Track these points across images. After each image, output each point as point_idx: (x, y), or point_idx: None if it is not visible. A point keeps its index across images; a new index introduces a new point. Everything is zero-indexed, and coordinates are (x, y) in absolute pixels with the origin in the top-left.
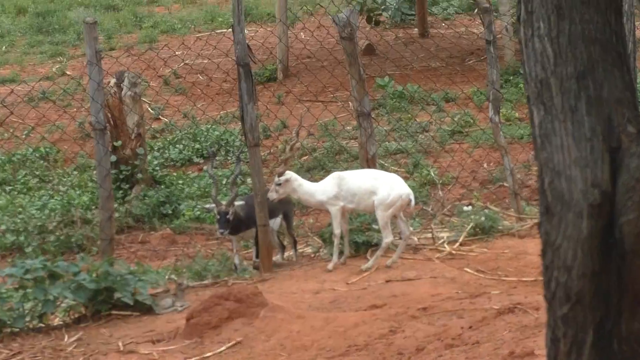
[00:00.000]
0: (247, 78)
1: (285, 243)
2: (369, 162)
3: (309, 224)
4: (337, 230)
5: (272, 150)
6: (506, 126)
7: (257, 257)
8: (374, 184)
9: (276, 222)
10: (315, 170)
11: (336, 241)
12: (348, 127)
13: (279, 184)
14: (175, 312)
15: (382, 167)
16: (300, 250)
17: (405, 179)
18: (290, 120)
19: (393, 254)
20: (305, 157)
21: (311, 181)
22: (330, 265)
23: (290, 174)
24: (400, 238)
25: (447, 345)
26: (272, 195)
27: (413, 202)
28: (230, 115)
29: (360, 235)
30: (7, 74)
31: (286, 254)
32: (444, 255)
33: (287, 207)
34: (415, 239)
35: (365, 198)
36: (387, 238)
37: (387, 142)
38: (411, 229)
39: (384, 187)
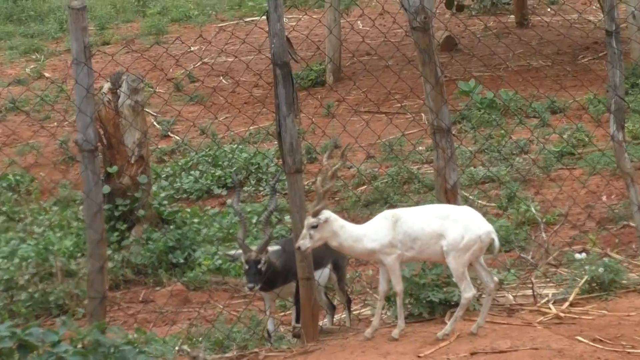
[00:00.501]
0: (287, 82)
1: (335, 302)
2: (448, 194)
3: (367, 277)
4: (399, 286)
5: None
6: (633, 146)
7: (297, 321)
8: (442, 224)
9: (324, 275)
10: (377, 206)
11: (399, 300)
12: (420, 148)
13: (315, 227)
14: None
15: (465, 201)
16: (355, 312)
17: (497, 216)
18: (344, 138)
19: (477, 315)
20: (362, 188)
21: (354, 222)
22: (395, 332)
23: (329, 214)
24: (483, 293)
25: None
26: (305, 244)
27: (497, 243)
28: (264, 131)
29: (437, 293)
30: None
31: (337, 317)
32: (548, 319)
33: (337, 255)
34: (510, 296)
35: (432, 243)
36: (467, 293)
37: (472, 168)
38: (496, 278)
39: (456, 226)
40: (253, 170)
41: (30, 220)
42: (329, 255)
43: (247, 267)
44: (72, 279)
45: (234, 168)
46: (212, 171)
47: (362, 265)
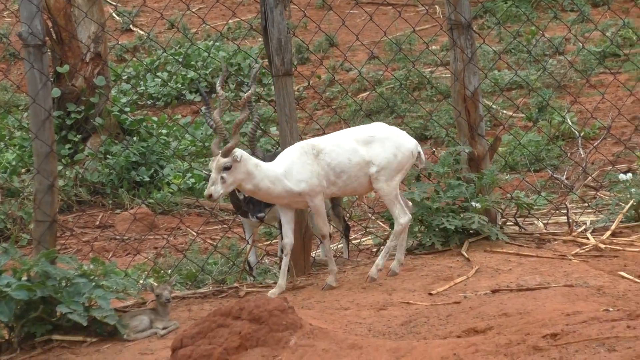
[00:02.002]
0: None
1: (331, 230)
2: (467, 103)
3: (369, 200)
4: (326, 228)
5: (310, 83)
6: None
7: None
8: (369, 150)
9: None
10: (381, 116)
11: (327, 243)
12: (434, 47)
13: (228, 168)
14: (155, 338)
15: (488, 111)
16: (355, 242)
17: (525, 129)
18: (341, 36)
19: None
20: (364, 94)
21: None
22: (330, 279)
23: (241, 152)
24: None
25: None
26: (217, 190)
27: (423, 156)
28: (246, 26)
29: (452, 219)
30: None
31: (333, 246)
32: (586, 252)
33: None
34: (540, 224)
35: (360, 175)
36: (402, 218)
37: (496, 71)
38: (410, 204)
39: (385, 146)
40: (232, 73)
41: None
42: None
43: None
44: (14, 199)
45: (210, 69)
46: (183, 73)
47: None
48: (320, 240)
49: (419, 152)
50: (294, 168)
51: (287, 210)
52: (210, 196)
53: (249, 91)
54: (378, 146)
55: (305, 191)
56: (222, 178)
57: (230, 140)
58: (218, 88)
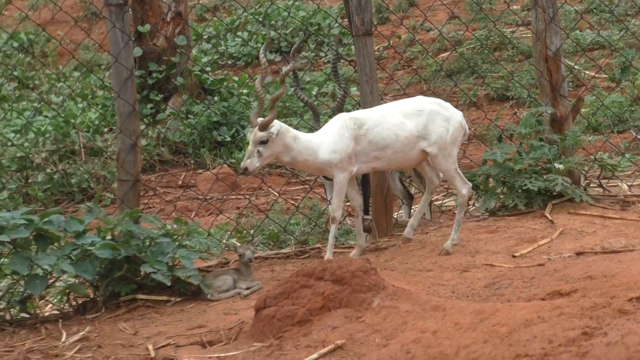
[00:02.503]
0: None
1: (413, 191)
2: (549, 63)
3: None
4: (339, 211)
5: (390, 43)
6: None
7: (366, 212)
8: (417, 124)
9: None
10: (461, 76)
11: (333, 228)
12: (515, 6)
13: (264, 142)
14: (239, 298)
15: (569, 72)
16: (437, 203)
17: (608, 90)
18: None
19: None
20: (444, 54)
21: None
22: (328, 254)
23: (279, 125)
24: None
25: None
26: (253, 163)
27: (467, 128)
28: None
29: (535, 180)
30: None
31: (414, 207)
32: None
33: None
34: (625, 186)
35: (407, 150)
36: (464, 189)
37: (578, 31)
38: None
39: (436, 121)
40: (312, 32)
41: (46, 87)
42: None
43: None
44: (97, 159)
45: (290, 29)
46: (264, 32)
47: None
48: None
49: (464, 123)
50: (330, 139)
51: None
52: (245, 169)
53: (288, 67)
54: (428, 121)
55: (333, 162)
56: (258, 151)
57: (269, 113)
58: (261, 56)
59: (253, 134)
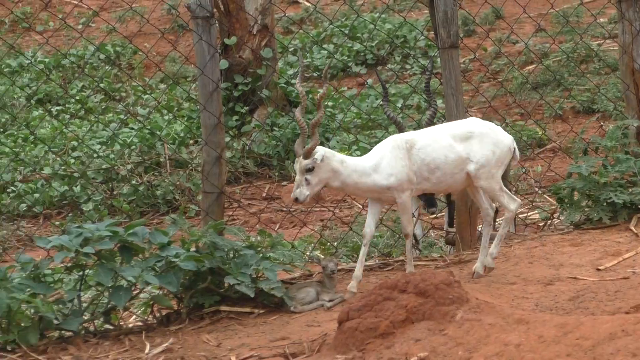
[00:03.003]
0: None
1: (496, 205)
2: (636, 76)
3: (535, 174)
4: (410, 227)
5: (476, 55)
6: None
7: (450, 225)
8: (466, 147)
9: None
10: (548, 88)
11: (408, 243)
12: (602, 19)
13: (311, 169)
14: (322, 311)
15: None
16: (521, 216)
17: None
18: (508, 8)
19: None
20: (530, 67)
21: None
22: (409, 268)
23: (324, 150)
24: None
25: None
26: (303, 193)
27: (518, 153)
28: None
29: (620, 194)
30: None
31: (499, 220)
32: None
33: None
34: None
35: (455, 172)
36: (512, 204)
37: None
38: (495, 205)
39: (484, 143)
40: (399, 45)
41: (133, 99)
42: None
43: None
44: (183, 170)
45: (375, 42)
46: (349, 45)
47: (530, 160)
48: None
49: (514, 148)
50: (384, 161)
51: (375, 203)
52: (296, 200)
53: (322, 91)
54: (476, 143)
55: (393, 185)
56: (306, 180)
57: (310, 140)
58: (297, 85)
59: (298, 163)
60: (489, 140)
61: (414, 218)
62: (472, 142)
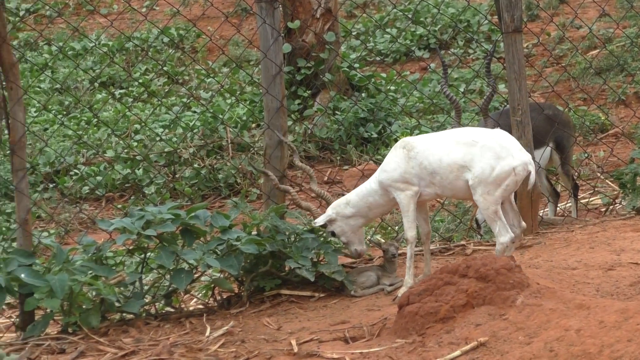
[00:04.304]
0: None
1: (559, 189)
2: None
3: (597, 159)
4: (410, 232)
5: (540, 40)
6: None
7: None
8: (466, 153)
9: (544, 155)
10: (611, 73)
11: (409, 250)
12: None
13: (334, 235)
14: (382, 295)
15: None
16: (583, 201)
17: None
18: None
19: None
20: (594, 52)
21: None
22: (399, 292)
23: (328, 215)
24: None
25: None
26: (352, 248)
27: (533, 178)
28: None
29: None
30: None
31: (560, 205)
32: None
33: (561, 132)
34: None
35: (452, 177)
36: (503, 237)
37: None
38: (524, 223)
39: (485, 155)
40: (461, 29)
41: (196, 83)
42: (550, 131)
43: None
44: (245, 154)
45: (439, 26)
46: (412, 29)
47: (592, 146)
48: (573, 192)
49: (529, 171)
50: (385, 161)
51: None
52: (358, 256)
53: (316, 189)
54: (477, 153)
55: (384, 182)
56: (332, 234)
57: (324, 217)
58: (297, 162)
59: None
60: (491, 154)
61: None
62: (474, 151)
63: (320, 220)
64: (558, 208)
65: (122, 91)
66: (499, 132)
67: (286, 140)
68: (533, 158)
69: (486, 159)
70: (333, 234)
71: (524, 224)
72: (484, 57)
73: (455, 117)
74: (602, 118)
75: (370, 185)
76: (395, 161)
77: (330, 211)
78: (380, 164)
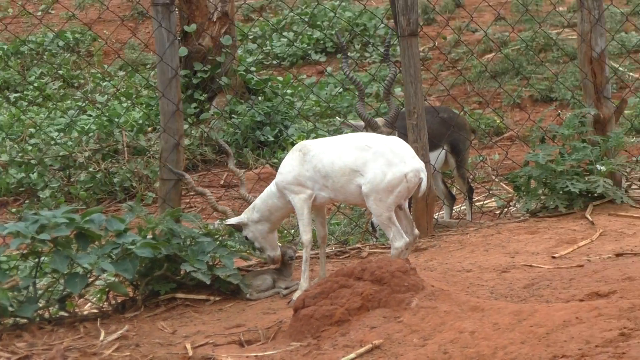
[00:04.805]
0: None
1: (454, 192)
2: (594, 65)
3: (492, 162)
4: (305, 236)
5: (436, 44)
6: None
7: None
8: (357, 158)
9: (439, 158)
10: (507, 76)
11: (305, 253)
12: (561, 8)
13: (247, 238)
14: (278, 298)
15: (614, 73)
16: (478, 204)
17: None
18: None
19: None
20: (489, 55)
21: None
22: (294, 296)
23: (236, 219)
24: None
25: None
26: (266, 254)
27: (424, 186)
28: None
29: (577, 182)
30: None
31: (456, 208)
32: None
33: (456, 135)
34: None
35: (344, 181)
36: (398, 242)
37: (623, 33)
38: (417, 231)
39: (377, 161)
40: (358, 32)
41: (91, 86)
42: (446, 134)
43: None
44: (141, 158)
45: (335, 30)
46: (309, 33)
47: (487, 149)
48: (468, 195)
49: (420, 179)
50: (281, 164)
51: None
52: (272, 260)
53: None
54: (370, 158)
55: (280, 184)
56: (255, 246)
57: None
58: (231, 166)
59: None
60: (384, 160)
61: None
62: (366, 156)
63: (231, 220)
64: (453, 211)
65: (16, 95)
66: (393, 139)
67: (223, 142)
68: (428, 162)
69: (378, 165)
70: (247, 238)
71: (417, 231)
72: (381, 60)
73: (359, 99)
74: (497, 121)
75: (270, 188)
76: (290, 164)
77: (243, 216)
78: (276, 167)
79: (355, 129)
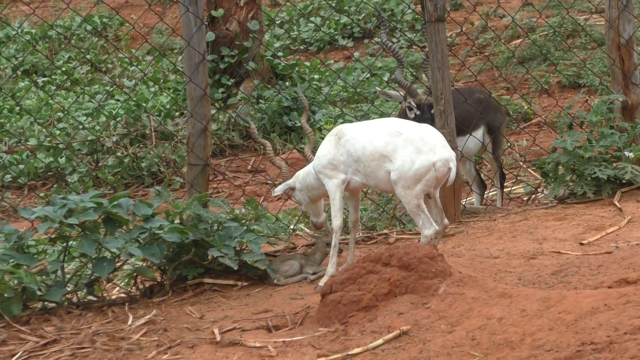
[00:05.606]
0: None
1: (484, 178)
2: (622, 51)
3: (520, 148)
4: (336, 221)
5: (463, 29)
6: None
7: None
8: (388, 143)
9: (472, 142)
10: (534, 62)
11: (334, 239)
12: None
13: (293, 188)
14: (305, 283)
15: None
16: (506, 190)
17: None
18: None
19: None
20: (517, 41)
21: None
22: (321, 282)
23: (284, 185)
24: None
25: None
26: (312, 216)
27: (454, 172)
28: None
29: (605, 169)
30: None
31: (486, 194)
32: None
33: (492, 117)
34: None
35: (374, 166)
36: (427, 229)
37: None
38: (446, 221)
39: (407, 148)
40: (386, 18)
41: (119, 71)
42: (479, 116)
43: (418, 112)
44: (168, 142)
45: (362, 15)
46: (336, 18)
47: (515, 135)
48: (499, 181)
49: (449, 168)
50: (319, 148)
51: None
52: (316, 228)
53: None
54: (400, 145)
55: (316, 168)
56: (296, 198)
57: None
58: (303, 122)
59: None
60: (413, 148)
61: None
62: (396, 142)
63: (281, 187)
64: (485, 196)
65: (44, 79)
66: (426, 126)
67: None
68: (456, 147)
69: (407, 152)
70: (292, 188)
71: (446, 221)
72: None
73: (398, 66)
74: (525, 107)
75: (309, 167)
76: (326, 147)
77: (291, 180)
78: (303, 152)
79: (393, 98)
